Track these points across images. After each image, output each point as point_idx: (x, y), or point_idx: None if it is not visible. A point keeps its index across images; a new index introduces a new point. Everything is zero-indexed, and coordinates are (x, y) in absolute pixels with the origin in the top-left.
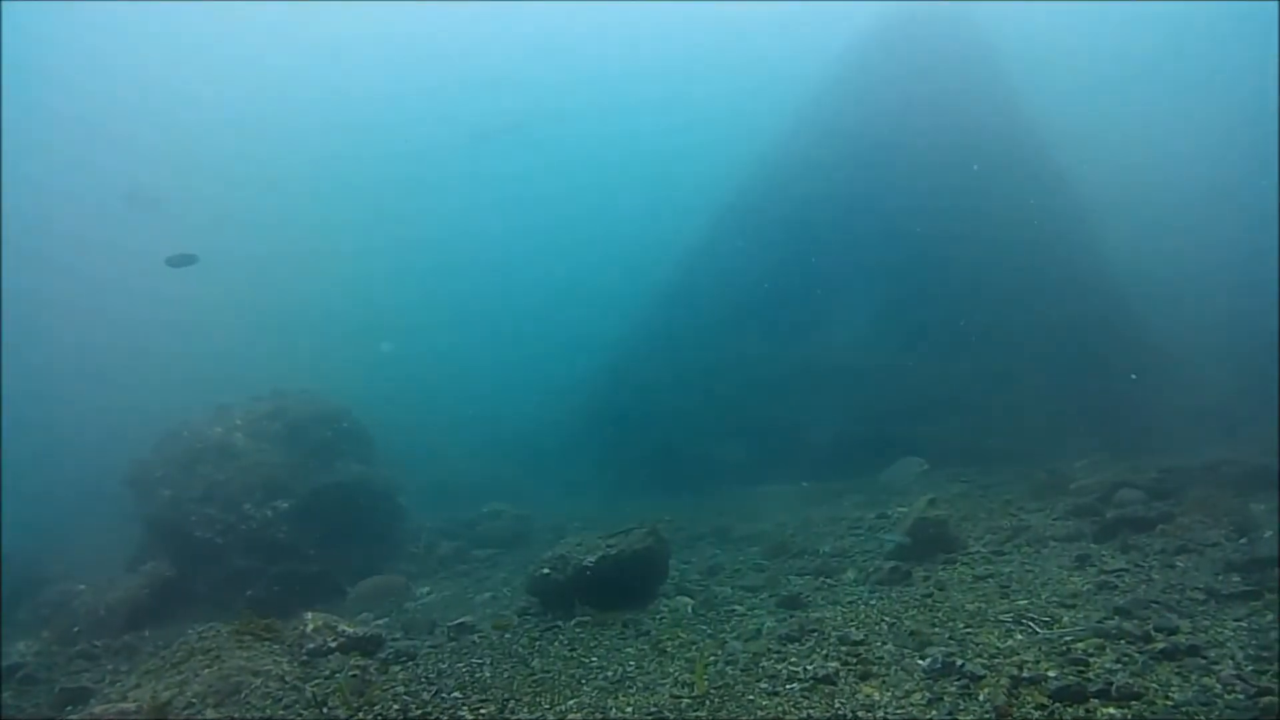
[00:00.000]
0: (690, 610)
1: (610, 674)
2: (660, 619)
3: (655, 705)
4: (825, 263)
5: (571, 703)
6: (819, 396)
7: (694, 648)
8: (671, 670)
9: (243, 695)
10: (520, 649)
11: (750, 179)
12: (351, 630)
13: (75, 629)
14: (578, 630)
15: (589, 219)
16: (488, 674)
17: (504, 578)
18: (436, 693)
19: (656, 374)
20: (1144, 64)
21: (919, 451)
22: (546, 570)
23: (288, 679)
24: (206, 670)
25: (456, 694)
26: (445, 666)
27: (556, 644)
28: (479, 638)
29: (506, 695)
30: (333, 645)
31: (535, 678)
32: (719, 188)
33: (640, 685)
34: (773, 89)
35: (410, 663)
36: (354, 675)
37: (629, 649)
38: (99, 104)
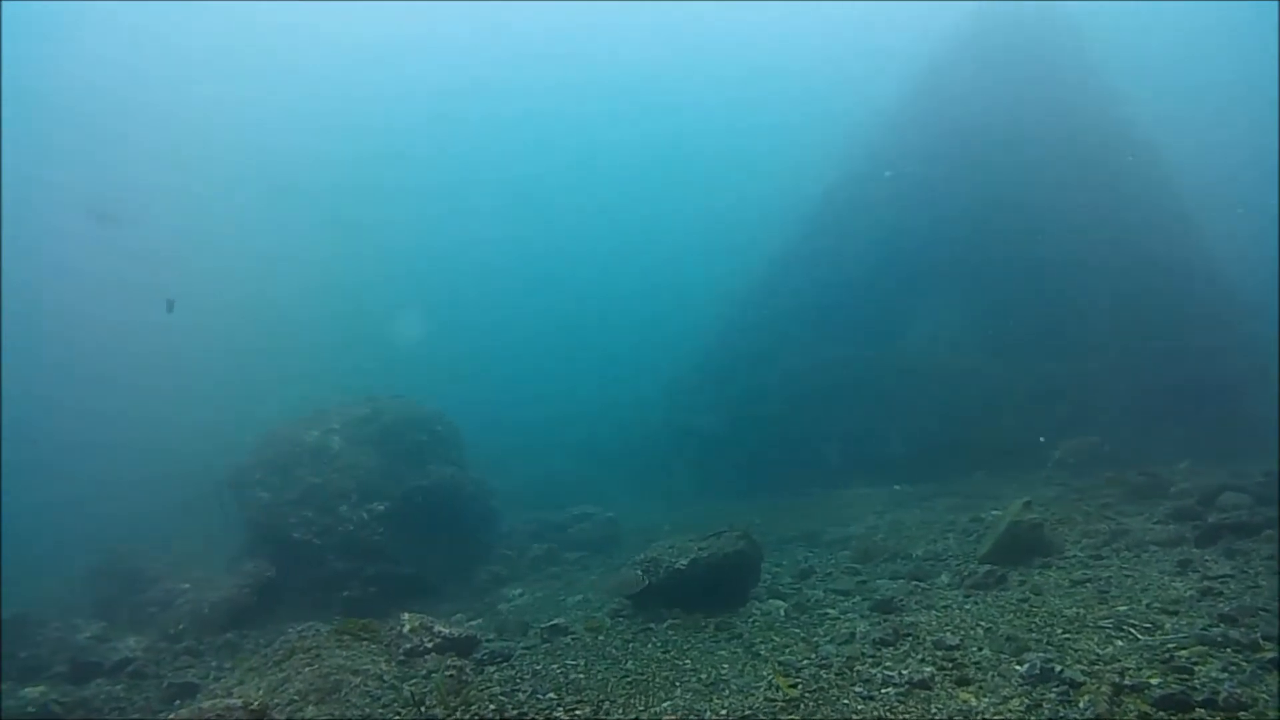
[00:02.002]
0: (783, 613)
1: (704, 676)
2: (753, 622)
3: (750, 708)
4: (915, 264)
5: (666, 705)
6: (908, 399)
7: (787, 651)
8: (765, 673)
9: (342, 693)
10: (614, 650)
11: (839, 180)
12: (447, 631)
13: (180, 626)
14: (670, 632)
15: (681, 222)
16: (582, 675)
17: (595, 580)
18: (532, 693)
19: (745, 377)
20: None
21: (1012, 453)
22: (639, 571)
23: (386, 678)
24: (307, 669)
25: (551, 695)
26: (540, 668)
27: (649, 646)
28: (572, 639)
29: (601, 696)
30: (429, 645)
31: (629, 679)
32: (808, 190)
33: (734, 688)
34: (863, 88)
35: (505, 664)
36: (450, 675)
37: (722, 651)
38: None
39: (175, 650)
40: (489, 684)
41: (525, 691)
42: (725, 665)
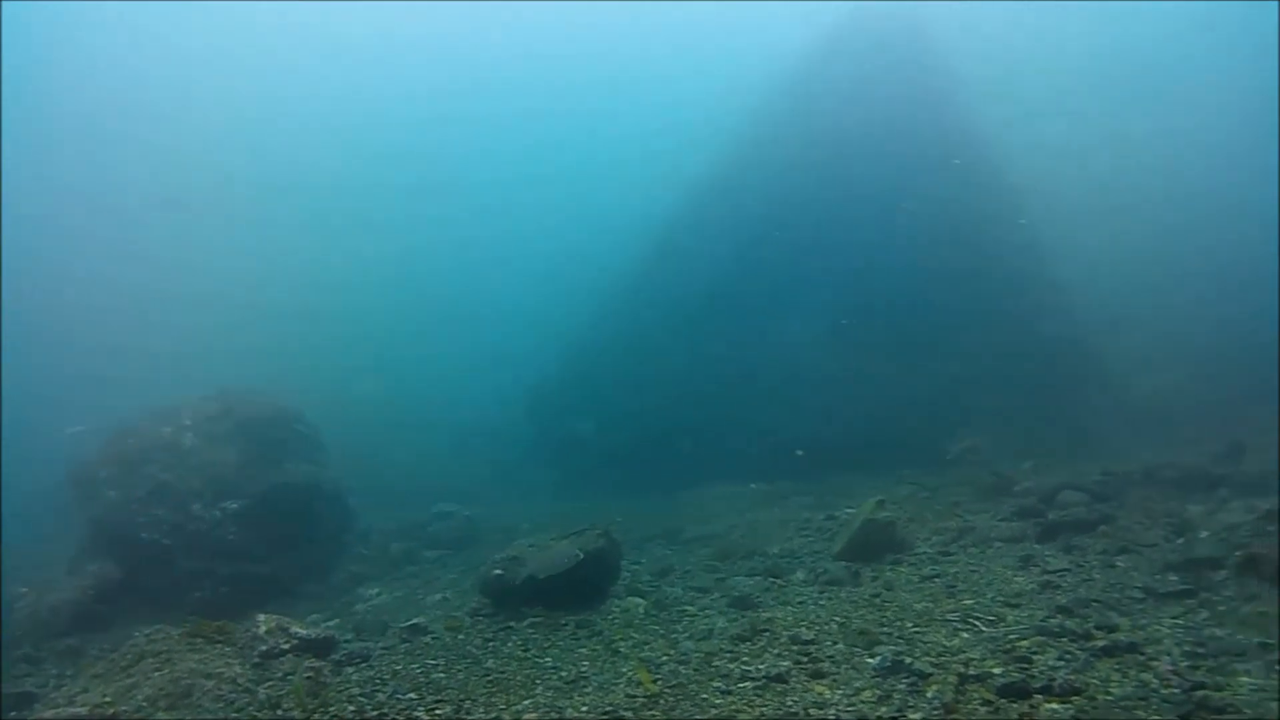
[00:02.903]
0: (642, 611)
1: (564, 674)
2: (613, 619)
3: (610, 705)
4: (782, 266)
5: (527, 703)
6: (769, 399)
7: (647, 648)
8: (625, 670)
9: (194, 698)
10: (474, 649)
11: (711, 181)
12: (304, 632)
13: (17, 633)
14: (530, 631)
15: (546, 220)
16: (442, 675)
17: (454, 579)
18: (391, 694)
19: (608, 377)
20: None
21: (869, 454)
22: (498, 571)
23: (240, 681)
24: (156, 674)
25: (411, 695)
26: (399, 668)
27: (510, 644)
28: (432, 638)
29: (461, 696)
30: (285, 647)
31: (490, 678)
32: (680, 189)
33: (595, 685)
34: (735, 90)
35: (364, 664)
36: (308, 677)
37: (582, 649)
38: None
39: (12, 658)
40: (347, 685)
41: (385, 692)
42: (585, 663)
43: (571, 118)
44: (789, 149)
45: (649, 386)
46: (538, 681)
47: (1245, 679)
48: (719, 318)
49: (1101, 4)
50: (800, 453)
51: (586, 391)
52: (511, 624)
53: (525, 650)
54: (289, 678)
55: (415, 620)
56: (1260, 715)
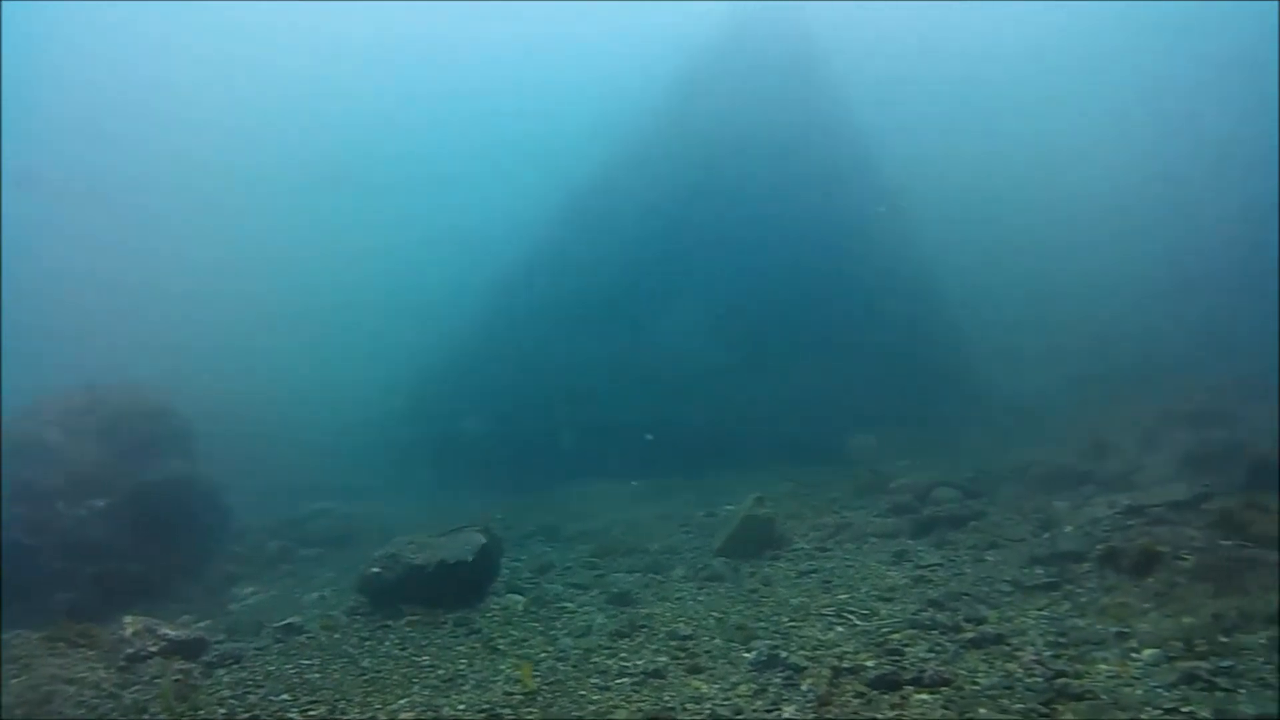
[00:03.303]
0: (521, 608)
1: (442, 672)
2: (491, 617)
3: (488, 703)
4: (666, 264)
5: (403, 701)
6: (650, 395)
7: (525, 645)
8: (503, 668)
9: (55, 705)
10: (350, 649)
11: (596, 179)
12: (174, 634)
13: None
14: (408, 629)
15: (420, 214)
16: (317, 675)
17: (332, 577)
18: (264, 695)
19: (488, 372)
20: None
21: (750, 451)
22: (376, 569)
23: (104, 686)
24: (14, 680)
25: (285, 696)
26: (273, 668)
27: (387, 643)
28: (307, 638)
29: (336, 696)
30: (153, 650)
31: (366, 677)
32: (560, 185)
33: (473, 683)
34: (621, 90)
35: (236, 665)
36: (176, 680)
37: (460, 647)
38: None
39: None
40: (218, 687)
41: (257, 694)
42: (463, 661)
43: (457, 114)
44: (673, 148)
45: (531, 383)
46: (415, 680)
47: (1103, 666)
48: (601, 315)
49: (982, 4)
50: (650, 437)
51: (469, 387)
52: (389, 623)
53: (402, 649)
54: (156, 681)
55: (290, 620)
56: (1116, 700)
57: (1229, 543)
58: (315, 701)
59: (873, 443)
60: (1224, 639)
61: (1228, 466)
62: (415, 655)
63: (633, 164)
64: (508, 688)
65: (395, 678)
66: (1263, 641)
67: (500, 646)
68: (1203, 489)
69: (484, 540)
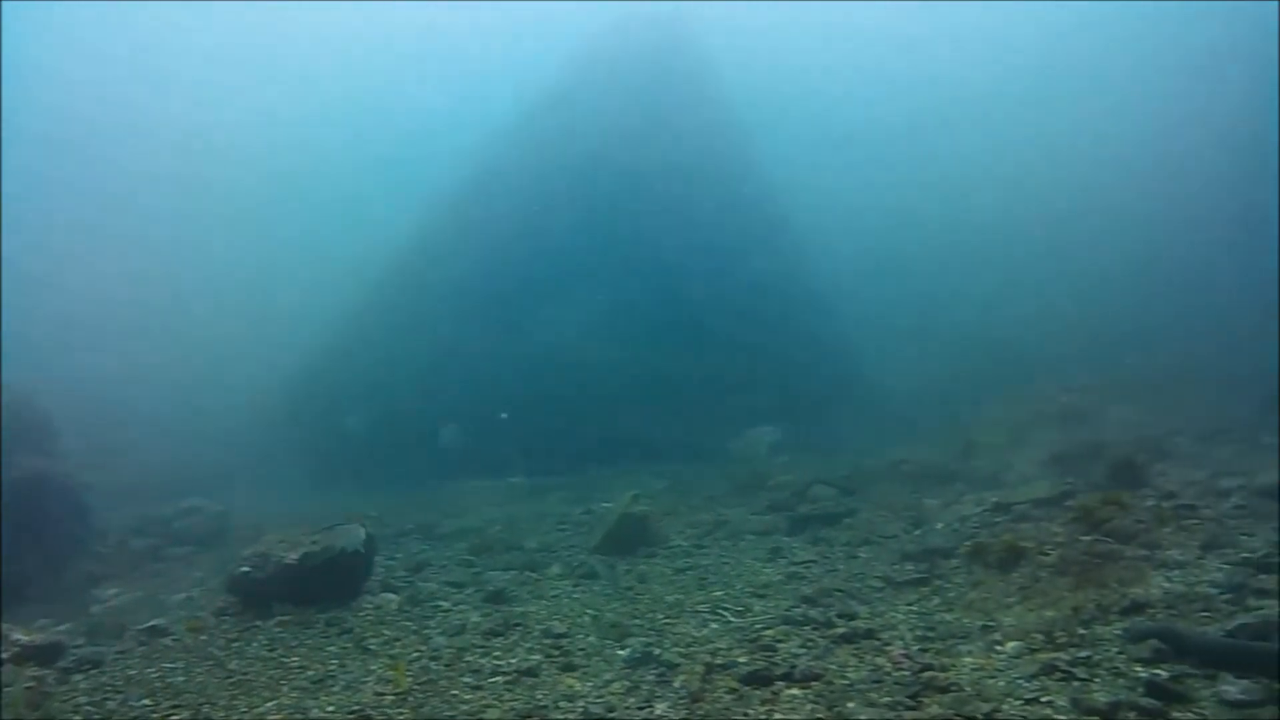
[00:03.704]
0: (395, 607)
1: (311, 674)
2: (364, 616)
3: (357, 704)
4: (549, 258)
5: (270, 704)
6: (529, 392)
7: (398, 645)
8: (375, 668)
9: None
10: (216, 651)
11: (477, 171)
12: (27, 638)
13: None
14: (278, 630)
15: (305, 202)
16: (180, 679)
17: (201, 577)
18: (124, 701)
19: (368, 366)
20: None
21: (628, 448)
22: (246, 568)
23: None
24: None
25: (146, 701)
26: (134, 673)
27: (255, 644)
28: (172, 640)
29: (200, 699)
30: (4, 656)
31: (232, 680)
32: (445, 179)
33: (343, 684)
34: (503, 84)
35: (95, 670)
36: (29, 688)
37: (331, 647)
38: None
39: None
40: (74, 694)
41: (116, 699)
42: (334, 661)
43: (341, 110)
44: (559, 145)
45: (411, 379)
46: (283, 682)
47: (968, 659)
48: (482, 312)
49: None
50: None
51: (346, 384)
52: (259, 623)
53: (271, 650)
54: (7, 689)
55: (155, 622)
56: (979, 692)
57: (1089, 538)
58: (178, 706)
59: (767, 436)
60: (1082, 631)
61: (1090, 464)
62: (284, 656)
63: (517, 162)
64: (378, 688)
65: (263, 680)
66: (1118, 632)
67: (372, 646)
68: (1066, 486)
69: (358, 538)
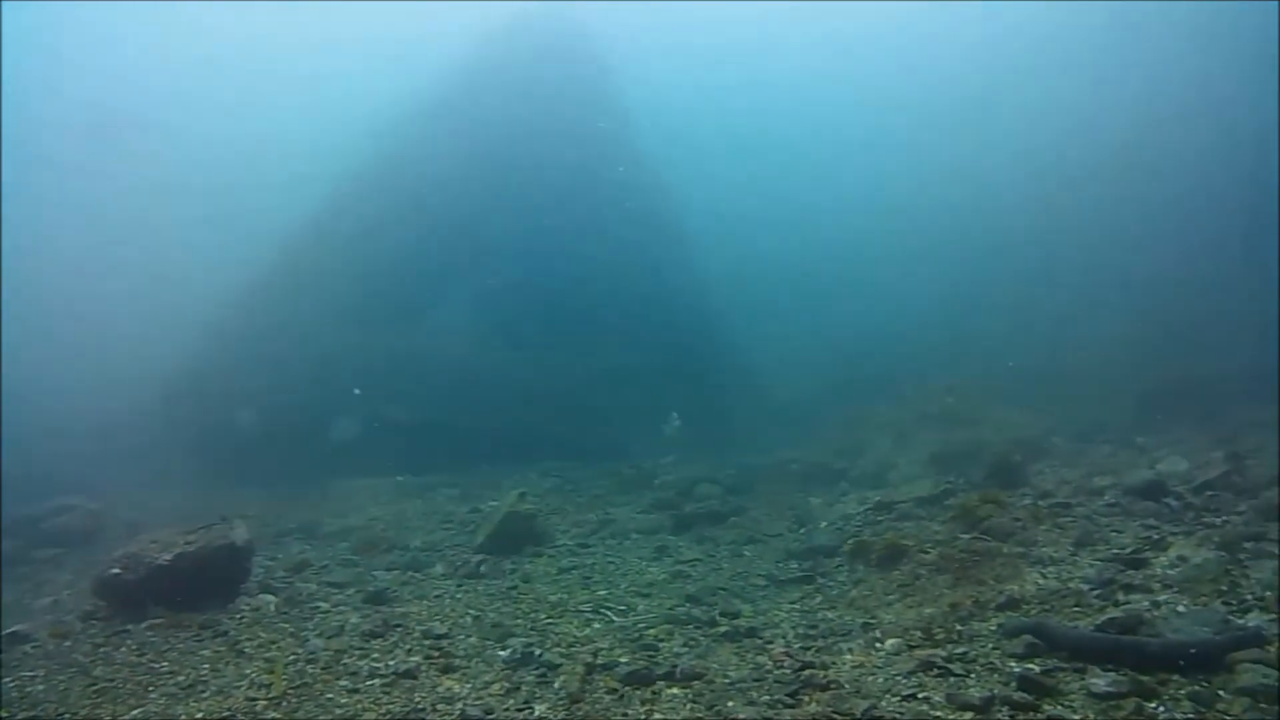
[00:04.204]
0: (273, 608)
1: (182, 679)
2: (241, 618)
3: (228, 709)
4: (434, 256)
5: (136, 712)
6: (417, 389)
7: (274, 647)
8: (249, 672)
9: None
10: (80, 657)
11: (367, 168)
12: None
13: None
14: (149, 634)
15: (193, 199)
16: (40, 687)
17: (69, 580)
18: None
19: (255, 362)
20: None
21: (517, 447)
22: (117, 570)
23: None
24: None
25: (1, 713)
26: None
27: (123, 650)
28: (33, 648)
29: (61, 709)
30: None
31: (96, 687)
32: (336, 176)
33: (214, 689)
34: (398, 88)
35: None
36: None
37: (204, 651)
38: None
39: None
40: None
41: None
42: (206, 665)
43: (231, 109)
44: (451, 145)
45: (298, 376)
46: (151, 688)
47: (849, 657)
48: (371, 310)
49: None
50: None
51: (234, 379)
52: (129, 627)
53: (140, 655)
54: None
55: (15, 628)
56: (858, 689)
57: (967, 536)
58: (35, 717)
59: (674, 422)
60: (959, 627)
61: (970, 464)
62: (154, 661)
63: (407, 160)
64: (251, 693)
65: (129, 687)
66: (993, 628)
67: (247, 649)
68: (946, 485)
69: (235, 537)
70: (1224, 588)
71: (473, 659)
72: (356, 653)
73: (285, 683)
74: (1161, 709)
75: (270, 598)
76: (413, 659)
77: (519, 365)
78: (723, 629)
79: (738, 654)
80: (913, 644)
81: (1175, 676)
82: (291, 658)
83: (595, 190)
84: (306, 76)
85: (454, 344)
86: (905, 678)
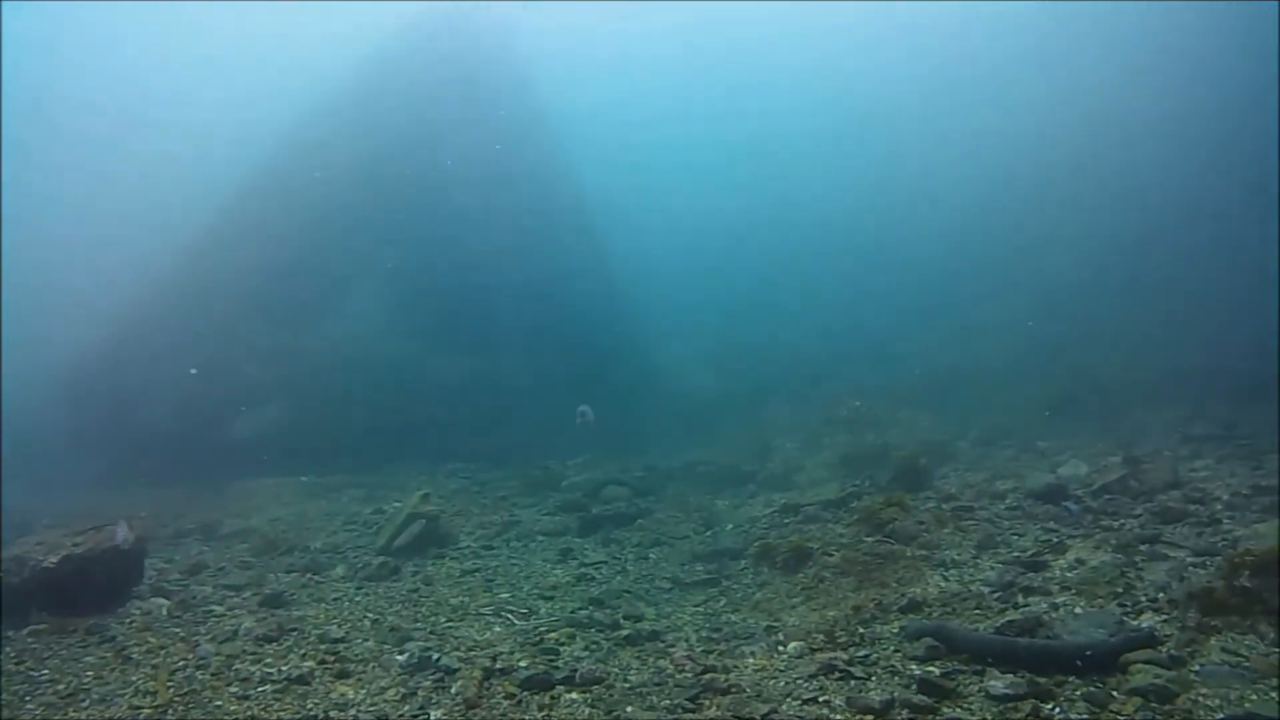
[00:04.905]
0: (165, 612)
1: (62, 687)
2: (130, 623)
3: (110, 717)
4: (341, 254)
5: None
6: (323, 388)
7: (163, 653)
8: (135, 679)
9: None
10: None
11: (261, 168)
12: None
13: None
14: (30, 640)
15: (96, 195)
16: None
17: None
18: None
19: (156, 360)
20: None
21: (425, 447)
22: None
23: None
24: None
25: None
26: None
27: (1, 658)
28: None
29: None
30: None
31: None
32: (237, 172)
33: (96, 697)
34: (301, 76)
35: None
36: None
37: (88, 658)
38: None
39: None
40: None
41: None
42: (90, 673)
43: (136, 107)
44: (354, 143)
45: (201, 375)
46: (28, 698)
47: (751, 660)
48: (275, 306)
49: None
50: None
51: (134, 378)
52: (9, 634)
53: (19, 663)
54: None
55: None
56: (759, 693)
57: (872, 539)
58: None
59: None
60: (862, 630)
61: (876, 468)
62: (34, 669)
63: (311, 158)
64: (136, 701)
65: (4, 696)
66: (895, 631)
67: (134, 655)
68: (852, 488)
69: (126, 539)
70: (1120, 590)
71: (369, 664)
72: (249, 658)
73: (171, 690)
74: (1058, 710)
75: (163, 601)
76: (307, 664)
77: (428, 365)
78: (625, 632)
79: (639, 658)
80: (815, 647)
81: (1071, 678)
82: (181, 663)
83: (505, 192)
84: (211, 73)
85: (360, 343)
86: (807, 681)
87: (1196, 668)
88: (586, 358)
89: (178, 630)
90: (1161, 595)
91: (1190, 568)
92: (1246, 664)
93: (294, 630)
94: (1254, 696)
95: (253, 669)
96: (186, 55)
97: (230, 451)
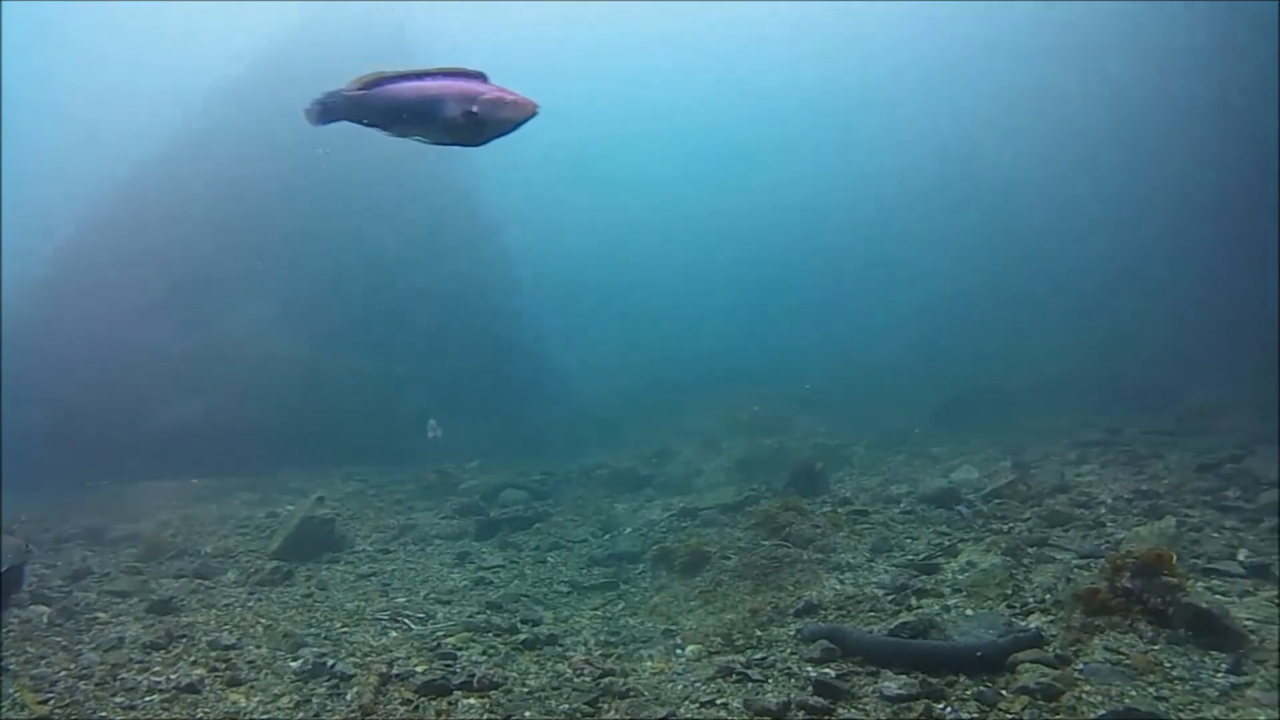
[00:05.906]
0: (46, 620)
1: None
2: (8, 632)
3: None
4: (233, 252)
5: None
6: (215, 389)
7: (43, 663)
8: (10, 691)
9: None
10: None
11: (154, 163)
12: None
13: None
14: None
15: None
16: None
17: None
18: None
19: (40, 360)
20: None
21: (320, 449)
22: None
23: None
24: None
25: None
26: None
27: None
28: None
29: None
30: None
31: None
32: (127, 169)
33: None
34: (188, 72)
35: None
36: None
37: None
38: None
39: None
40: None
41: None
42: None
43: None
44: (244, 141)
45: (87, 375)
46: None
47: (649, 664)
48: (165, 306)
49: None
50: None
51: (17, 377)
52: None
53: None
54: None
55: None
56: (657, 696)
57: (769, 542)
58: None
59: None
60: (759, 633)
61: (773, 472)
62: None
63: (205, 155)
64: (11, 714)
65: None
66: (791, 634)
67: (12, 666)
68: (750, 492)
69: (6, 545)
70: (1009, 591)
71: (262, 671)
72: (136, 666)
73: (49, 704)
74: (949, 709)
75: (44, 609)
76: (197, 671)
77: (323, 367)
78: (523, 637)
79: (537, 662)
80: (713, 650)
81: (962, 678)
82: (62, 674)
83: (403, 190)
84: (110, 65)
85: (254, 344)
86: (704, 684)
87: (1080, 666)
88: (486, 362)
89: (59, 639)
90: (1048, 597)
91: (1075, 570)
92: (1127, 662)
93: (183, 637)
94: (1134, 693)
95: (139, 678)
96: (78, 51)
97: (118, 454)
